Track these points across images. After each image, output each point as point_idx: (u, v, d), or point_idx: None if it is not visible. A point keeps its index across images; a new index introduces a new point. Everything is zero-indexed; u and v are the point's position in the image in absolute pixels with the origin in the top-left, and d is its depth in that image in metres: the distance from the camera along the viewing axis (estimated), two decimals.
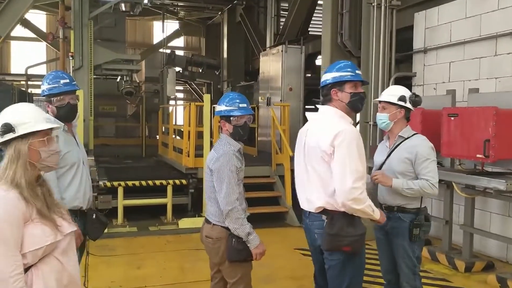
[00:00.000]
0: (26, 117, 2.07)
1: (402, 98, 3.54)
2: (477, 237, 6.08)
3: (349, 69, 2.98)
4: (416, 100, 3.59)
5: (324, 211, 2.92)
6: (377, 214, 2.93)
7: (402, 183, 3.44)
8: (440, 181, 6.17)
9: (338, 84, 2.96)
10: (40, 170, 2.14)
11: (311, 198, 2.99)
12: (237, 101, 3.32)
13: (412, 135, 3.61)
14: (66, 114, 3.41)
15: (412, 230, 3.46)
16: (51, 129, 2.14)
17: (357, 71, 2.99)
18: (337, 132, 2.80)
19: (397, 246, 3.56)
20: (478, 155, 4.99)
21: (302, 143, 3.10)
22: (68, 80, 3.45)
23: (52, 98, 3.38)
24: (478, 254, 6.15)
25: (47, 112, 3.36)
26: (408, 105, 3.55)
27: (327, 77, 3.02)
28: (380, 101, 3.66)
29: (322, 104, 3.05)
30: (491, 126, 4.84)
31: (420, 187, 3.41)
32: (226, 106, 3.31)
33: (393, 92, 3.61)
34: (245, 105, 3.34)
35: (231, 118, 3.29)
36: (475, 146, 5.00)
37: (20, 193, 1.99)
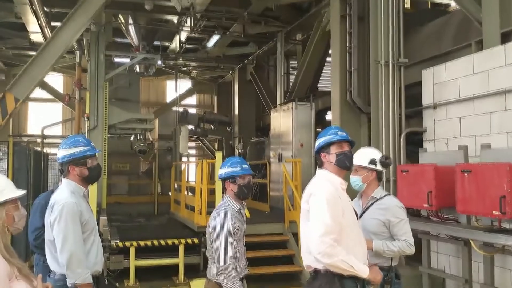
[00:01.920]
0: (1, 185, 2.31)
1: (372, 161, 3.78)
2: None
3: (332, 132, 3.22)
4: (385, 162, 3.84)
5: (315, 269, 3.03)
6: (362, 271, 2.95)
7: (382, 245, 3.63)
8: (457, 238, 6.11)
9: (325, 147, 3.20)
10: (11, 233, 2.39)
11: (303, 257, 3.15)
12: (239, 163, 3.74)
13: (384, 196, 3.83)
14: (98, 174, 3.58)
15: (383, 286, 3.58)
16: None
17: (339, 132, 3.22)
18: (313, 191, 3.04)
19: None
20: (494, 212, 4.90)
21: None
22: (92, 144, 3.60)
23: (88, 160, 3.47)
24: None
25: (71, 175, 3.45)
26: (379, 167, 3.80)
27: (316, 145, 3.27)
28: None
29: (319, 168, 3.27)
30: (505, 182, 4.79)
31: (400, 248, 3.63)
32: (229, 168, 3.64)
33: (364, 156, 3.85)
34: (246, 166, 3.75)
35: (236, 178, 3.66)
36: (490, 203, 4.93)
37: (1, 254, 2.21)
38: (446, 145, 7.02)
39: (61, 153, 3.47)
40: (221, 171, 3.78)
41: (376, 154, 3.86)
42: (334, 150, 3.17)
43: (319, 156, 3.25)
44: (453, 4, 10.95)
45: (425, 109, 7.52)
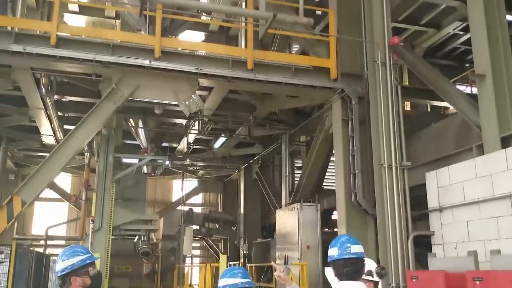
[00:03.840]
0: None
1: (368, 273, 3.72)
2: None
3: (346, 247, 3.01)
4: (381, 273, 3.82)
5: None
6: None
7: None
8: None
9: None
10: None
11: None
12: (239, 274, 3.22)
13: None
14: (100, 281, 3.52)
15: None
16: None
17: (353, 248, 3.01)
18: None
19: None
20: None
21: None
22: (90, 251, 3.60)
23: (89, 268, 3.44)
24: None
25: (73, 286, 3.39)
26: (375, 278, 3.77)
27: (333, 252, 3.02)
28: None
29: (349, 279, 2.98)
30: None
31: None
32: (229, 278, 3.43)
33: None
34: (245, 279, 3.30)
35: None
36: None
37: None
38: (455, 249, 6.89)
39: (61, 265, 3.42)
40: (220, 283, 3.46)
41: (372, 265, 3.86)
42: None
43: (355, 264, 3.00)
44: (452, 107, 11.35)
45: (431, 212, 7.49)
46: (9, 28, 8.37)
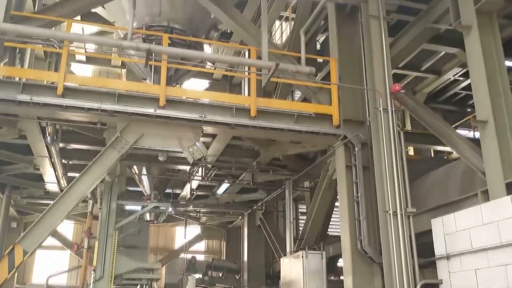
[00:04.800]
0: None
1: None
2: None
3: None
4: None
5: None
6: None
7: None
8: None
9: None
10: None
11: None
12: None
13: None
14: None
15: None
16: None
17: None
18: None
19: None
20: None
21: None
22: None
23: None
24: None
25: None
26: None
27: None
28: None
29: None
30: None
31: None
32: None
33: None
34: None
35: None
36: None
37: None
38: None
39: None
40: None
41: None
42: None
43: None
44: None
45: (438, 260, 7.35)
46: (17, 79, 8.54)
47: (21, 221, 17.77)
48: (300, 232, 14.06)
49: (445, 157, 14.15)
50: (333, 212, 13.57)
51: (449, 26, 8.59)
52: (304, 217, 14.46)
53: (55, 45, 10.13)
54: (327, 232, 13.62)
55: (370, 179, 8.88)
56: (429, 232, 7.76)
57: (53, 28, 10.08)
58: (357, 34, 9.86)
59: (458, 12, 8.16)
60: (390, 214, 7.73)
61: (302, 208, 18.07)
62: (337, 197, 10.30)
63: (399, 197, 7.92)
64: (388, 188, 8.01)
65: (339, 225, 10.12)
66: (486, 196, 7.10)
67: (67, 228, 19.94)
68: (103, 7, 12.30)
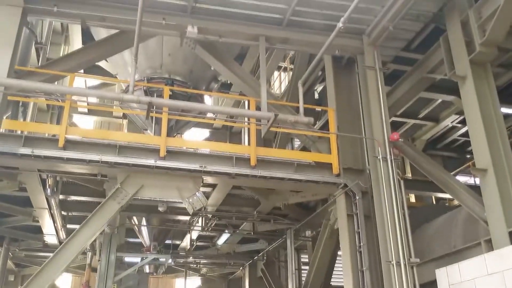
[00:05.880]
0: None
1: None
2: None
3: None
4: None
5: None
6: None
7: None
8: None
9: None
10: None
11: None
12: None
13: None
14: None
15: None
16: None
17: None
18: None
19: None
20: None
21: None
22: None
23: None
24: None
25: None
26: None
27: None
28: None
29: None
30: None
31: None
32: None
33: None
34: None
35: None
36: None
37: None
38: None
39: None
40: None
41: None
42: None
43: None
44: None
45: None
46: (19, 132, 8.63)
47: (19, 274, 17.45)
48: (303, 282, 13.76)
49: (447, 204, 14.07)
50: (336, 262, 13.33)
51: (445, 76, 8.76)
52: (307, 267, 14.19)
53: (58, 98, 10.30)
54: (330, 283, 13.33)
55: (372, 228, 8.78)
56: (433, 282, 7.61)
57: (56, 82, 10.27)
58: (354, 84, 10.05)
59: (452, 63, 8.34)
60: (393, 264, 7.60)
61: (304, 257, 17.73)
62: (340, 246, 10.16)
63: (401, 247, 7.81)
64: (390, 237, 7.91)
65: (342, 274, 9.93)
66: (489, 245, 7.02)
67: (65, 281, 19.54)
68: (106, 60, 12.60)
